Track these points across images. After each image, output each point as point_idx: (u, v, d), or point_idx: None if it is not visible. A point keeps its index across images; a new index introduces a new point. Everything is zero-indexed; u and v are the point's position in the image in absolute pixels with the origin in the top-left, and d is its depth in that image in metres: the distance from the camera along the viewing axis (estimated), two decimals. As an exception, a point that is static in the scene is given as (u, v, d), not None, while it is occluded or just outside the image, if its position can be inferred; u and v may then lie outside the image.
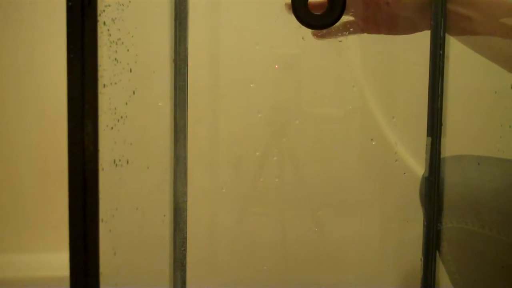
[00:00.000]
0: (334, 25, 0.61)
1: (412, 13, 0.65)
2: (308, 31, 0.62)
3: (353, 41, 1.04)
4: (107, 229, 0.48)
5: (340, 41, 0.73)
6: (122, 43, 0.53)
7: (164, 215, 0.65)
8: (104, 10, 0.45)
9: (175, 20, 0.62)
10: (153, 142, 0.66)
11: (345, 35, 0.66)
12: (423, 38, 0.72)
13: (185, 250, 0.65)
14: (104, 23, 0.47)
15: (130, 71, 0.55)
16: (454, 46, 0.71)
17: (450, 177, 0.72)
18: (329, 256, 1.05)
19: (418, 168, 0.80)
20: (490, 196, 0.67)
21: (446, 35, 0.68)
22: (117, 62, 0.53)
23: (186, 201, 0.65)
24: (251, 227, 1.05)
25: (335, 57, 1.03)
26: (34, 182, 1.28)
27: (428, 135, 0.73)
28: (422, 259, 0.74)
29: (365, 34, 0.77)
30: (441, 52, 0.70)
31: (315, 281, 1.04)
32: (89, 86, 0.42)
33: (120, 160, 0.55)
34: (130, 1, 0.54)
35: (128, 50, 0.55)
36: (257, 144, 1.04)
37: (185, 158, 0.64)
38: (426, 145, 0.73)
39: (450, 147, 0.73)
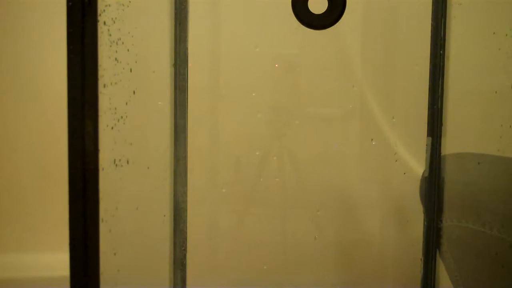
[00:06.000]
0: None
1: None
2: (309, 31, 0.62)
3: (353, 41, 1.04)
4: (107, 229, 0.48)
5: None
6: (122, 43, 0.53)
7: (164, 215, 0.65)
8: (104, 10, 0.45)
9: (175, 20, 0.62)
10: (153, 142, 0.66)
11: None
12: (424, 38, 0.72)
13: (185, 250, 0.66)
14: (105, 23, 0.47)
15: (130, 71, 0.55)
16: (455, 46, 0.71)
17: (451, 175, 0.72)
18: (329, 256, 1.05)
19: (419, 168, 0.80)
20: (491, 195, 0.67)
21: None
22: (117, 62, 0.53)
23: (186, 201, 0.65)
24: (251, 227, 1.05)
25: (335, 57, 1.03)
26: (34, 182, 1.28)
27: (428, 135, 0.73)
28: (422, 258, 0.74)
29: (366, 33, 0.76)
30: (441, 52, 0.70)
31: (315, 281, 1.04)
32: (89, 86, 0.42)
33: (120, 160, 0.55)
34: (130, 1, 0.54)
35: (128, 50, 0.55)
36: (257, 144, 1.04)
37: (185, 158, 0.64)
38: (426, 145, 0.73)
39: (450, 147, 0.73)
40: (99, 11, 0.42)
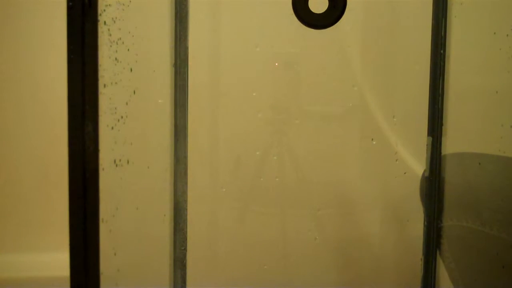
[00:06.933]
0: None
1: None
2: (309, 30, 0.62)
3: (353, 41, 1.04)
4: (107, 229, 0.48)
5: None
6: (123, 42, 0.53)
7: (164, 215, 0.65)
8: (104, 10, 0.45)
9: (176, 19, 0.62)
10: (153, 142, 0.65)
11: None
12: (424, 38, 0.72)
13: (185, 249, 0.65)
14: (105, 22, 0.47)
15: (131, 70, 0.55)
16: (455, 46, 0.71)
17: (451, 175, 0.72)
18: (329, 255, 1.05)
19: (419, 167, 0.80)
20: (491, 195, 0.67)
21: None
22: (118, 61, 0.53)
23: (186, 200, 0.65)
24: (251, 226, 1.05)
25: (335, 57, 1.03)
26: (34, 182, 1.28)
27: (428, 134, 0.73)
28: (423, 258, 0.74)
29: (366, 33, 0.76)
30: (442, 51, 0.70)
31: (315, 281, 1.04)
32: (89, 86, 0.42)
33: (120, 160, 0.55)
34: (130, 1, 0.54)
35: (128, 50, 0.54)
36: (257, 144, 1.04)
37: (185, 158, 0.64)
38: (427, 144, 0.73)
39: (450, 147, 0.73)
40: (99, 11, 0.42)
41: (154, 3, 0.63)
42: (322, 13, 0.61)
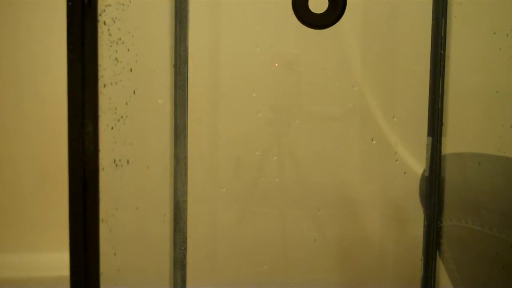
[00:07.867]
0: None
1: None
2: (309, 30, 0.62)
3: (353, 41, 1.04)
4: (107, 229, 0.48)
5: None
6: (123, 42, 0.53)
7: (164, 215, 0.65)
8: (104, 10, 0.45)
9: (175, 19, 0.62)
10: (153, 142, 0.65)
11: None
12: (424, 38, 0.72)
13: (185, 249, 0.66)
14: (105, 23, 0.47)
15: (131, 70, 0.55)
16: (455, 46, 0.71)
17: (451, 175, 0.72)
18: (329, 255, 1.05)
19: (419, 168, 0.80)
20: (491, 195, 0.67)
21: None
22: (117, 61, 0.53)
23: (186, 200, 0.65)
24: (251, 226, 1.05)
25: (335, 57, 1.03)
26: (34, 182, 1.28)
27: (428, 134, 0.73)
28: (422, 258, 0.74)
29: (366, 33, 0.76)
30: (442, 51, 0.70)
31: (315, 281, 1.04)
32: (89, 86, 0.42)
33: (120, 160, 0.55)
34: (130, 1, 0.54)
35: (128, 50, 0.54)
36: (257, 144, 1.04)
37: (185, 158, 0.64)
38: (427, 144, 0.73)
39: (450, 147, 0.73)
40: (99, 11, 0.42)
41: (154, 3, 0.63)
42: (322, 13, 0.61)
